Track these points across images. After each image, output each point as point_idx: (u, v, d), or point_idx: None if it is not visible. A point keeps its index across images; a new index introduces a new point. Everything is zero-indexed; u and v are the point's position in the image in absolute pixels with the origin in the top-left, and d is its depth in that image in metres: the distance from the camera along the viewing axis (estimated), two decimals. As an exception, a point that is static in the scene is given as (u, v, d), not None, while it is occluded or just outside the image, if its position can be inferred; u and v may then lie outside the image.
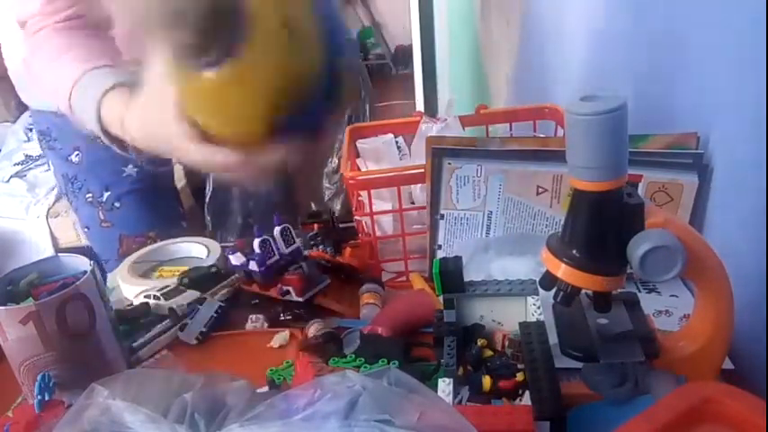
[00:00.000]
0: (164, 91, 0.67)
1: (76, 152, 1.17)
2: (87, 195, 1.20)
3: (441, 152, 0.81)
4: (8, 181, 2.72)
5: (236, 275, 0.90)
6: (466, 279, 0.66)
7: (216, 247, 1.02)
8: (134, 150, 0.83)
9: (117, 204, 1.20)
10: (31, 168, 2.77)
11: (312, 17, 0.56)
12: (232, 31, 0.52)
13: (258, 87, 0.56)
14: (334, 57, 0.59)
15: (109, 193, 1.19)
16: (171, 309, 0.84)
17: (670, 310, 0.76)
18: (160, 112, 0.69)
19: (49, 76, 0.88)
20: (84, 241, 1.30)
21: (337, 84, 0.59)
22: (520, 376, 0.59)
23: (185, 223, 1.31)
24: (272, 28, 0.53)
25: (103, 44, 0.90)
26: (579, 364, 0.59)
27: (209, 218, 1.31)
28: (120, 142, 0.84)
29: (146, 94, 0.73)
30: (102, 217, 1.21)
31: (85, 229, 1.25)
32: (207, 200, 1.31)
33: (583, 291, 0.57)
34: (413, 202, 0.98)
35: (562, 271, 0.54)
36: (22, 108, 1.23)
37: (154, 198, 1.23)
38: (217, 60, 0.53)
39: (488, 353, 0.64)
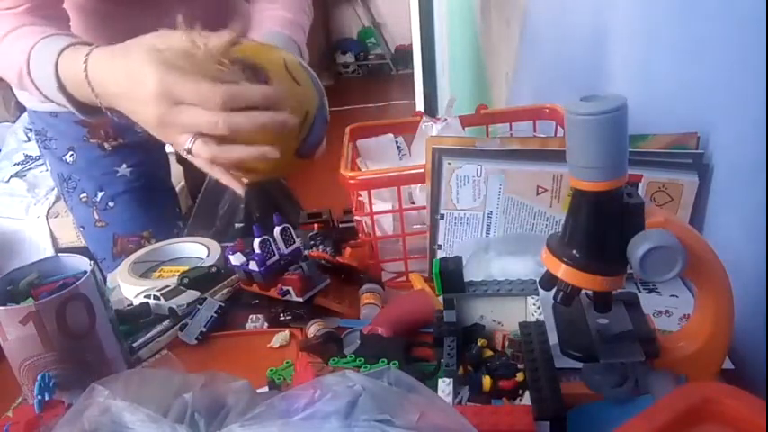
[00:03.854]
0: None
1: (70, 152, 1.17)
2: (82, 195, 1.20)
3: (441, 152, 0.81)
4: (8, 181, 2.72)
5: (236, 275, 0.90)
6: (466, 279, 0.66)
7: (216, 247, 1.02)
8: (92, 112, 0.83)
9: (111, 204, 1.20)
10: (30, 168, 2.78)
11: (302, 68, 0.80)
12: (259, 80, 0.74)
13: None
14: (321, 92, 0.81)
15: (103, 192, 1.19)
16: (171, 309, 0.84)
17: (670, 310, 0.76)
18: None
19: (2, 50, 0.86)
20: (83, 241, 1.30)
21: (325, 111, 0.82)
22: (520, 376, 0.59)
23: (181, 223, 1.31)
24: (282, 74, 0.76)
25: (59, 24, 0.89)
26: (579, 364, 0.59)
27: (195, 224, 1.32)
28: (81, 104, 0.83)
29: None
30: (96, 217, 1.21)
31: (81, 229, 1.26)
32: (193, 212, 1.32)
33: (583, 291, 0.57)
34: (413, 202, 0.98)
35: (562, 271, 0.54)
36: (22, 108, 1.23)
37: (149, 198, 1.24)
38: None
39: (488, 353, 0.64)
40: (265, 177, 0.81)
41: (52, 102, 0.86)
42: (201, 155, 0.73)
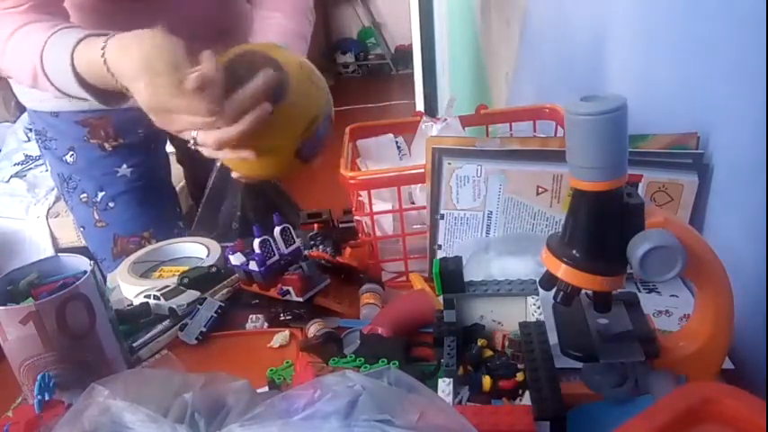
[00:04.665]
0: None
1: (71, 152, 1.17)
2: (82, 195, 1.20)
3: (441, 152, 0.81)
4: (8, 181, 2.72)
5: (236, 275, 0.90)
6: (466, 279, 0.66)
7: (216, 247, 1.02)
8: (116, 97, 0.85)
9: (111, 204, 1.20)
10: (30, 168, 2.77)
11: (316, 73, 0.86)
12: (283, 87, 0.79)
13: (298, 118, 0.82)
14: (329, 101, 0.87)
15: (103, 193, 1.19)
16: (171, 309, 0.84)
17: (670, 310, 0.76)
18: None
19: (11, 48, 0.87)
20: (84, 241, 1.30)
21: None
22: (520, 376, 0.59)
23: (182, 223, 1.31)
24: (299, 73, 0.81)
25: (62, 21, 0.90)
26: (579, 364, 0.59)
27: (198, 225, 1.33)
28: (103, 93, 0.84)
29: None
30: (96, 217, 1.21)
31: (81, 229, 1.26)
32: (195, 222, 1.32)
33: (583, 291, 0.57)
34: (413, 202, 0.98)
35: (562, 271, 0.54)
36: (22, 108, 1.23)
37: (149, 198, 1.24)
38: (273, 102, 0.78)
39: (488, 353, 0.64)
40: (265, 178, 0.82)
41: (69, 96, 0.87)
42: (208, 143, 0.78)
